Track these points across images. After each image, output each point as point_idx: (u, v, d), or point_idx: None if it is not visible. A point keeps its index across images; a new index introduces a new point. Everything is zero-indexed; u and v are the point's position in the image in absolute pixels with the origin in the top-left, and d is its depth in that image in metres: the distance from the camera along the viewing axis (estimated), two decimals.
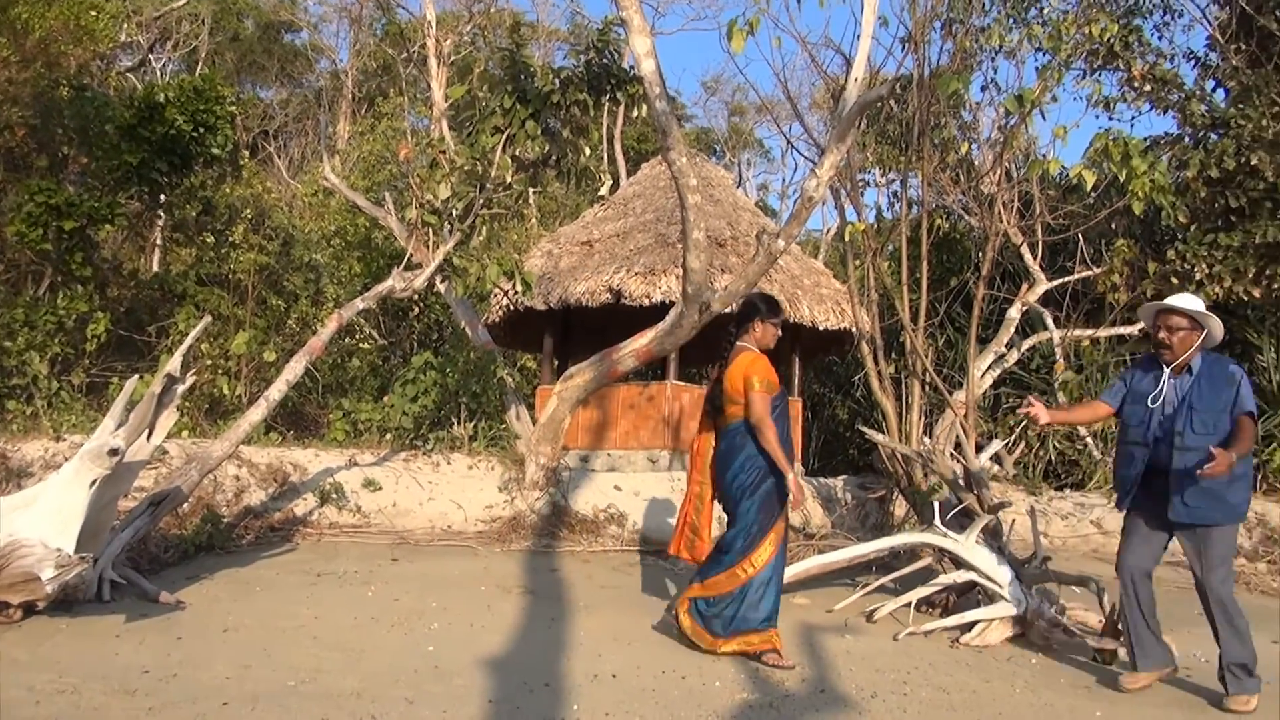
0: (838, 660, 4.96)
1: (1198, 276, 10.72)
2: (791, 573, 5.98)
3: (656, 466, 11.15)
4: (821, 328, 11.80)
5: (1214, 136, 11.33)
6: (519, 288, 8.22)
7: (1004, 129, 10.22)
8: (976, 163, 11.40)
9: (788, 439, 5.00)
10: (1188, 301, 4.66)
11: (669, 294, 10.73)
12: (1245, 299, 10.93)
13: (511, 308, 12.58)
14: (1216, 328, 4.64)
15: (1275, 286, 10.74)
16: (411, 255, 8.75)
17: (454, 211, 8.24)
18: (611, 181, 19.49)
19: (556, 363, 13.38)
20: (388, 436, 9.67)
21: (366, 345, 15.77)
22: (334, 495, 8.02)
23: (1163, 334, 4.64)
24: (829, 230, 23.25)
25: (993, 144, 11.19)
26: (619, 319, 11.41)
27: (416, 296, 14.71)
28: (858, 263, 9.22)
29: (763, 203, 29.73)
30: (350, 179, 17.16)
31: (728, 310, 8.49)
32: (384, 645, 4.74)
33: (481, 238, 8.81)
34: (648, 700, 4.09)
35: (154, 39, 23.70)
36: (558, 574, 6.82)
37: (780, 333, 5.33)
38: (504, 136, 8.46)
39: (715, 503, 5.26)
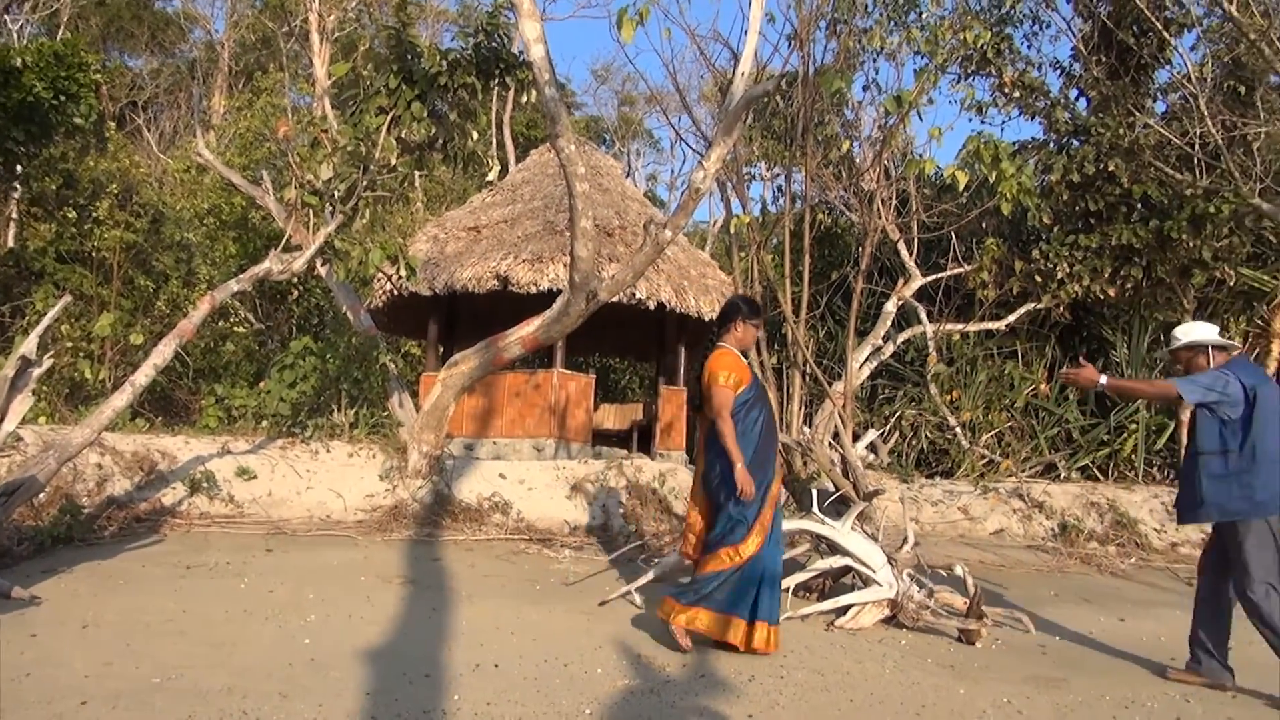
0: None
1: (1059, 276, 11.29)
2: (673, 562, 6.06)
3: (542, 455, 11.13)
4: (707, 318, 11.95)
5: (1076, 143, 11.94)
6: (403, 272, 8.06)
7: (883, 128, 10.57)
8: (857, 160, 11.74)
9: (764, 434, 5.02)
10: (1183, 333, 5.01)
11: (556, 281, 10.71)
12: (1102, 297, 11.57)
13: (395, 293, 12.34)
14: (1215, 339, 4.91)
15: (1128, 286, 11.41)
16: (290, 237, 8.47)
17: (336, 193, 8.01)
18: (500, 167, 19.24)
19: (441, 349, 13.20)
20: (264, 424, 9.37)
21: (242, 329, 15.21)
22: (205, 484, 7.73)
23: (1180, 366, 5.05)
24: (716, 222, 23.55)
25: (873, 142, 11.55)
26: (506, 306, 11.33)
27: (296, 280, 14.29)
28: (742, 255, 9.38)
29: (651, 193, 29.90)
30: (226, 156, 16.47)
31: (614, 299, 8.54)
32: (257, 639, 4.60)
33: (364, 220, 8.58)
34: (530, 689, 4.09)
35: None
36: (440, 563, 6.74)
37: (760, 333, 5.37)
38: (389, 118, 8.27)
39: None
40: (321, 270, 10.42)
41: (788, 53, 8.95)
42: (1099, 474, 11.88)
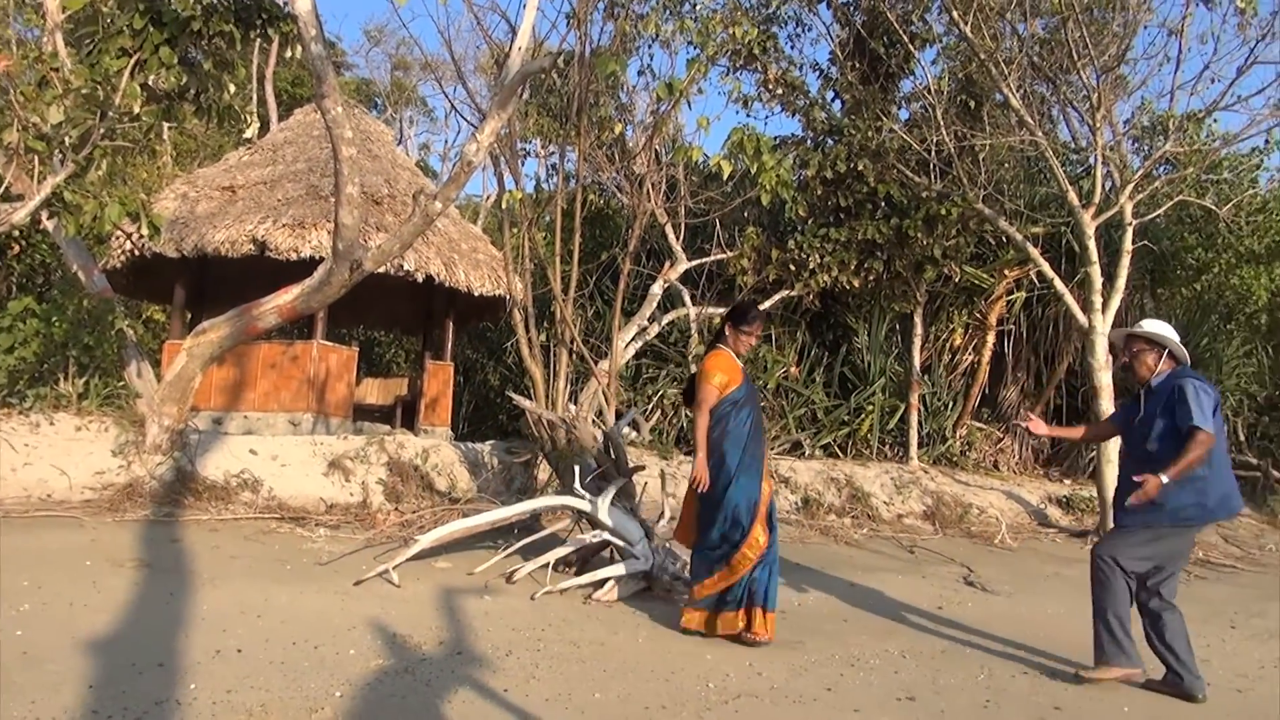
0: (476, 621, 5.06)
1: (811, 266, 12.03)
2: (434, 537, 6.01)
3: (299, 430, 10.64)
4: (476, 293, 11.86)
5: (830, 142, 12.73)
6: (145, 231, 7.42)
7: (655, 114, 10.83)
8: (629, 143, 11.97)
9: (752, 434, 5.17)
10: (1149, 325, 4.94)
11: (319, 249, 10.25)
12: (847, 287, 12.43)
13: (136, 253, 11.38)
14: (1175, 344, 4.85)
15: (870, 278, 12.33)
16: (11, 185, 7.59)
17: (67, 139, 7.24)
18: (260, 124, 18.13)
19: (189, 316, 12.35)
20: None
21: None
22: None
23: (1125, 357, 4.96)
24: (489, 197, 23.32)
25: (645, 127, 11.82)
26: (262, 272, 10.72)
27: (17, 233, 12.80)
28: (514, 231, 9.35)
29: (423, 163, 29.11)
30: None
31: (380, 270, 8.28)
32: None
33: (101, 172, 7.82)
34: (275, 674, 3.93)
35: None
36: (180, 545, 6.31)
37: (755, 341, 5.43)
38: (133, 61, 7.55)
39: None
40: (48, 224, 9.40)
41: (565, 31, 8.96)
42: (839, 451, 12.82)
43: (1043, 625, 6.09)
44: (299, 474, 8.22)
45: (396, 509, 8.05)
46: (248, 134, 12.00)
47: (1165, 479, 4.40)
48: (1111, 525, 5.06)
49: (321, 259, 8.53)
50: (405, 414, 13.06)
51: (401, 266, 10.84)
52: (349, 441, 8.92)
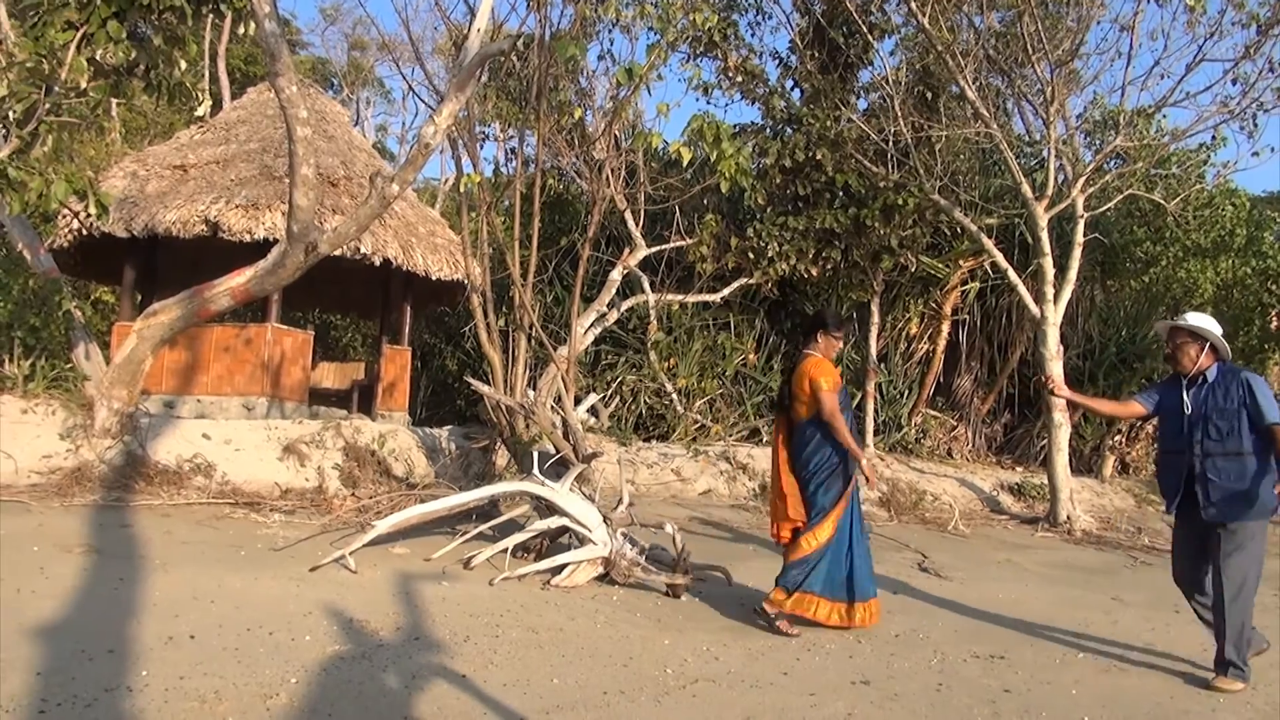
0: (433, 607, 5.04)
1: (770, 254, 12.09)
2: (391, 523, 5.96)
3: (252, 414, 10.50)
4: (434, 277, 11.76)
5: (789, 130, 12.78)
6: (93, 210, 7.26)
7: (615, 99, 10.79)
8: (589, 129, 11.92)
9: (853, 428, 5.43)
10: (1193, 319, 4.92)
11: (273, 231, 10.10)
12: (805, 276, 12.52)
13: (84, 232, 11.12)
14: (1219, 337, 4.84)
15: (828, 267, 12.42)
16: None
17: (11, 114, 7.06)
18: (212, 103, 17.76)
19: (139, 297, 12.10)
20: None
21: None
22: None
23: (1169, 349, 4.96)
24: (447, 180, 23.10)
25: (604, 113, 11.77)
26: (215, 254, 10.54)
27: None
28: (473, 215, 9.27)
29: (380, 144, 28.80)
30: None
31: (336, 253, 8.19)
32: None
33: (46, 148, 7.64)
34: (229, 660, 3.89)
35: None
36: (131, 530, 6.20)
37: (843, 345, 5.57)
38: (79, 34, 7.37)
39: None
40: None
41: (525, 13, 8.89)
42: None
43: (994, 610, 6.21)
44: (253, 459, 8.11)
45: (353, 494, 7.98)
46: (200, 112, 11.74)
47: None
48: (1175, 516, 5.07)
49: (276, 241, 8.40)
50: (362, 399, 12.93)
51: (358, 249, 10.71)
52: (304, 426, 8.82)
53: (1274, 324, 17.61)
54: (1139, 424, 14.18)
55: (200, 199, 10.69)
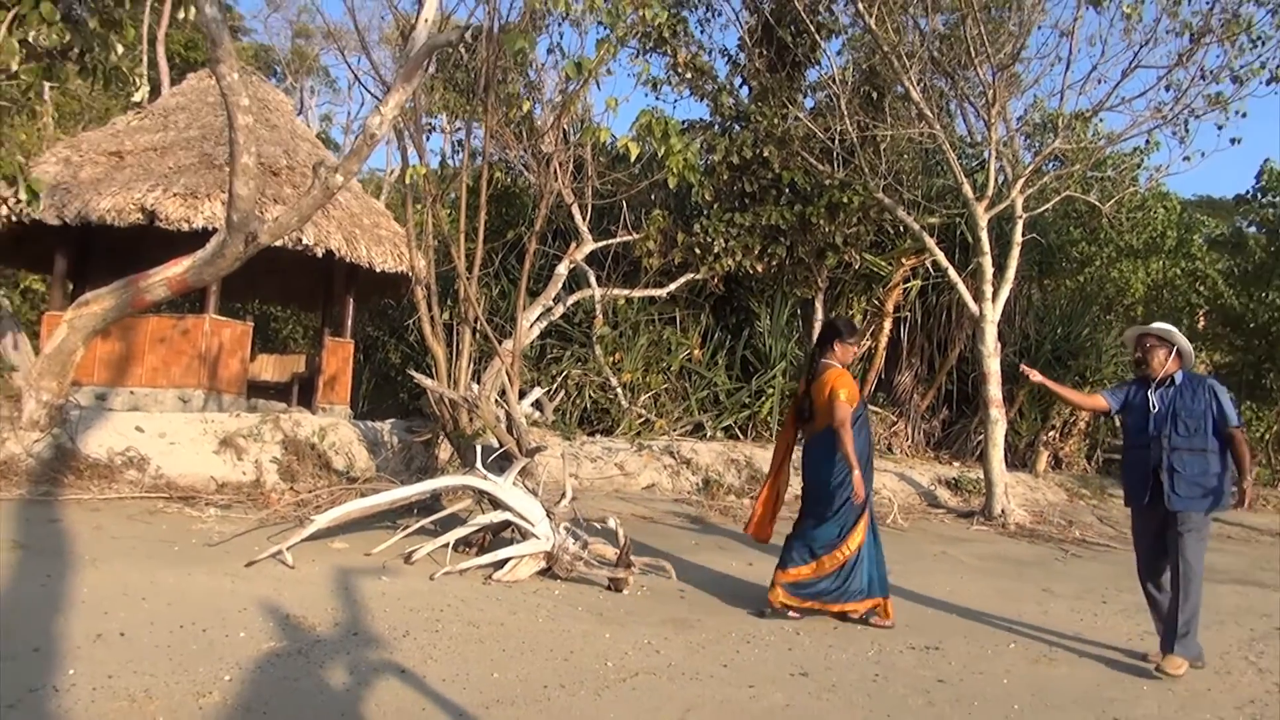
0: (373, 602, 5.00)
1: (716, 249, 12.15)
2: (330, 517, 5.90)
3: (189, 406, 10.29)
4: (378, 269, 11.62)
5: (737, 127, 12.86)
6: (22, 196, 7.07)
7: (564, 93, 10.76)
8: (537, 122, 11.86)
9: (868, 443, 5.60)
10: (1158, 327, 5.29)
11: (213, 220, 9.90)
12: (751, 272, 12.61)
13: (14, 219, 10.77)
14: (1185, 344, 5.23)
15: (774, 263, 12.53)
16: None
17: None
18: (150, 88, 17.37)
19: (71, 286, 11.79)
20: None
21: None
22: None
23: (1139, 353, 5.30)
24: (392, 171, 22.83)
25: (553, 106, 11.73)
26: (152, 243, 10.31)
27: None
28: (418, 207, 9.19)
29: (325, 134, 28.36)
30: None
31: (277, 243, 8.05)
32: None
33: None
34: (161, 658, 3.82)
35: None
36: (59, 525, 6.05)
37: (859, 351, 5.51)
38: (10, 15, 7.15)
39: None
40: None
41: (474, 5, 8.81)
42: (740, 433, 13.03)
43: (930, 602, 6.32)
44: (188, 452, 7.96)
45: (291, 488, 7.87)
46: (137, 97, 11.48)
47: (1251, 478, 4.96)
48: (1133, 508, 5.39)
49: (215, 230, 8.24)
50: (303, 391, 12.74)
51: (300, 240, 10.55)
52: (242, 419, 8.67)
53: (1201, 323, 18.17)
54: (1071, 421, 14.54)
55: (136, 186, 10.43)
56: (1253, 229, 19.24)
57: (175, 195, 10.20)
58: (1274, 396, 16.53)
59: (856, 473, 5.37)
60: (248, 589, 4.97)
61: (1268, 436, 16.25)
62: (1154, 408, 5.15)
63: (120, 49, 8.14)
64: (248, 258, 7.29)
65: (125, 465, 7.57)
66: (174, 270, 7.43)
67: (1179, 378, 5.18)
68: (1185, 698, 4.55)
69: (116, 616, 4.28)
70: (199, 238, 8.92)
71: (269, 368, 13.33)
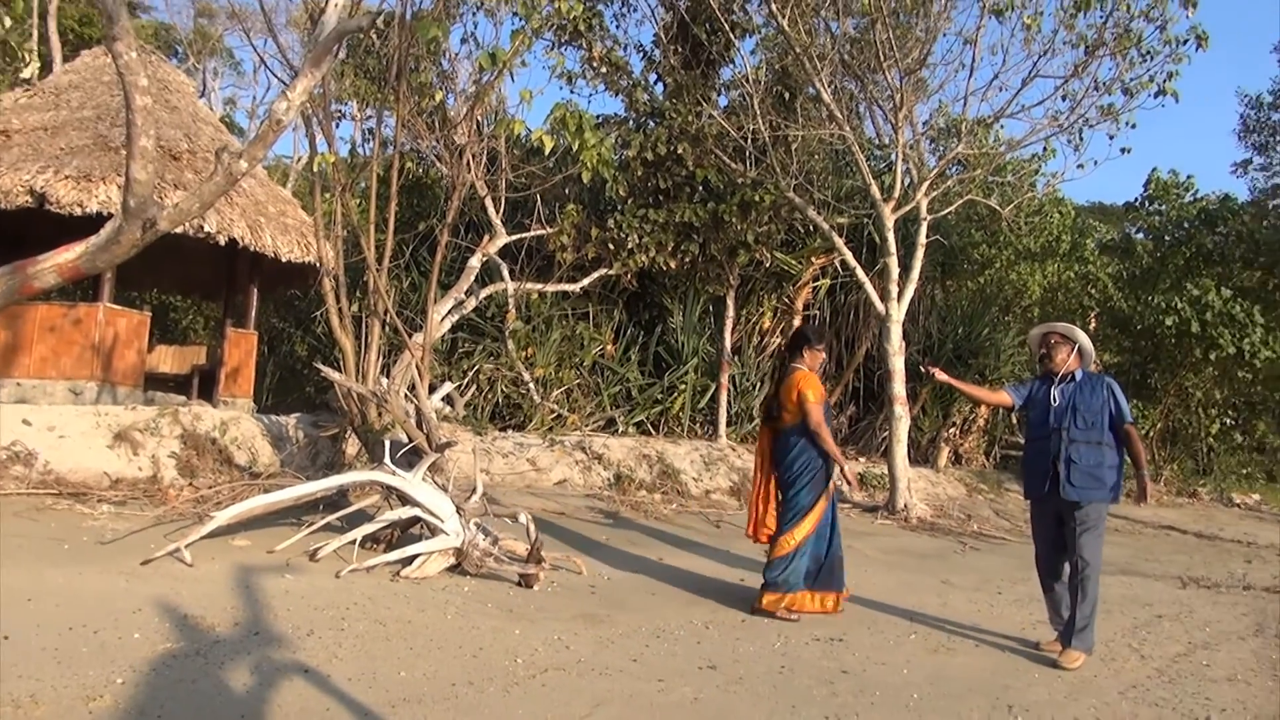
0: (276, 601, 4.88)
1: (630, 245, 12.18)
2: (232, 514, 5.74)
3: (80, 399, 9.87)
4: (284, 259, 11.31)
5: (652, 124, 12.90)
6: None
7: (478, 84, 10.63)
8: (450, 112, 11.70)
9: (834, 433, 5.88)
10: (1061, 327, 5.56)
11: (108, 205, 9.50)
12: (664, 268, 12.68)
13: None
14: (1086, 342, 5.48)
15: (686, 260, 12.62)
16: None
17: None
18: (40, 64, 16.62)
19: None
20: None
21: None
22: None
23: (1043, 349, 5.56)
24: (300, 159, 22.25)
25: (466, 97, 11.58)
26: (41, 227, 9.83)
27: None
28: (326, 196, 8.97)
29: (229, 119, 27.43)
30: None
31: (178, 231, 7.77)
32: None
33: None
34: (48, 661, 3.66)
35: None
36: None
37: (825, 357, 5.93)
38: None
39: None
40: None
41: None
42: (652, 428, 13.10)
43: None
44: (80, 446, 7.64)
45: (191, 484, 7.62)
46: (26, 74, 10.96)
47: (1146, 470, 5.22)
48: (1032, 501, 5.61)
49: (110, 215, 7.91)
50: (203, 384, 12.32)
51: (202, 227, 10.20)
52: (138, 412, 8.36)
53: (1092, 325, 18.96)
54: (971, 418, 15.02)
55: (25, 167, 9.94)
56: (1140, 235, 20.18)
57: (67, 178, 9.76)
58: (1159, 396, 17.35)
59: (846, 466, 5.73)
60: (143, 589, 4.80)
61: (1152, 434, 17.05)
62: (1055, 402, 5.39)
63: (8, 22, 7.76)
64: (145, 245, 7.00)
65: (10, 460, 7.23)
66: (65, 256, 7.07)
67: (1079, 374, 5.43)
68: (1073, 684, 4.76)
69: (1, 619, 4.08)
70: (93, 223, 8.55)
71: (168, 359, 12.86)
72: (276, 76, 15.56)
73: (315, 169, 8.18)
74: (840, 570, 5.91)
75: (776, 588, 5.68)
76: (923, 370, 6.02)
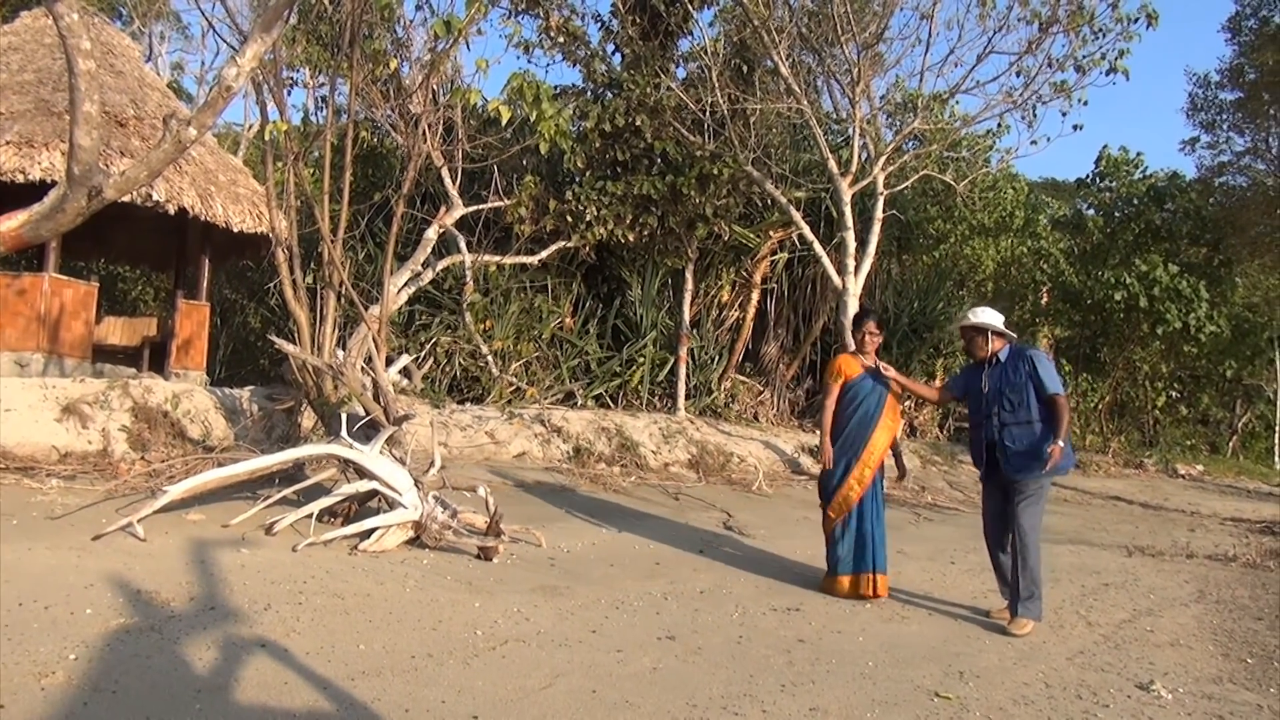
0: (231, 575, 4.83)
1: (588, 218, 12.13)
2: (185, 488, 5.65)
3: (26, 371, 9.65)
4: (236, 229, 11.10)
5: (610, 95, 12.82)
6: None
7: (433, 52, 10.48)
8: (405, 81, 11.54)
9: (864, 421, 5.82)
10: (977, 315, 5.64)
11: (51, 172, 9.25)
12: (623, 241, 12.65)
13: None
14: (992, 322, 5.55)
15: (645, 233, 12.60)
16: None
17: None
18: None
19: None
20: None
21: None
22: None
23: (965, 342, 5.73)
24: (251, 127, 21.79)
25: (422, 65, 11.42)
26: None
27: None
28: (279, 165, 8.82)
29: (176, 84, 26.75)
30: None
31: (125, 199, 7.60)
32: None
33: None
34: None
35: None
36: None
37: (880, 337, 6.07)
38: None
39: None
40: None
41: None
42: (611, 401, 13.11)
43: (791, 566, 6.55)
44: (26, 419, 7.47)
45: (142, 458, 7.50)
46: None
47: (1061, 444, 5.18)
48: (985, 482, 5.71)
49: (54, 183, 7.70)
50: (154, 357, 12.10)
51: (150, 196, 9.97)
52: (87, 384, 8.19)
53: (1044, 299, 19.29)
54: None
55: None
56: (1091, 211, 20.52)
57: (8, 144, 9.48)
58: (1108, 369, 17.72)
59: (825, 441, 5.85)
60: (95, 564, 4.73)
61: (1101, 407, 17.45)
62: (984, 388, 5.53)
63: None
64: (91, 213, 6.83)
65: None
66: (8, 225, 6.87)
67: (1004, 355, 5.55)
68: (1023, 650, 4.88)
69: None
70: (36, 191, 8.32)
71: (117, 331, 12.60)
72: (225, 41, 15.18)
73: (267, 137, 8.02)
74: (882, 551, 5.85)
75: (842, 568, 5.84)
76: (880, 371, 6.07)
